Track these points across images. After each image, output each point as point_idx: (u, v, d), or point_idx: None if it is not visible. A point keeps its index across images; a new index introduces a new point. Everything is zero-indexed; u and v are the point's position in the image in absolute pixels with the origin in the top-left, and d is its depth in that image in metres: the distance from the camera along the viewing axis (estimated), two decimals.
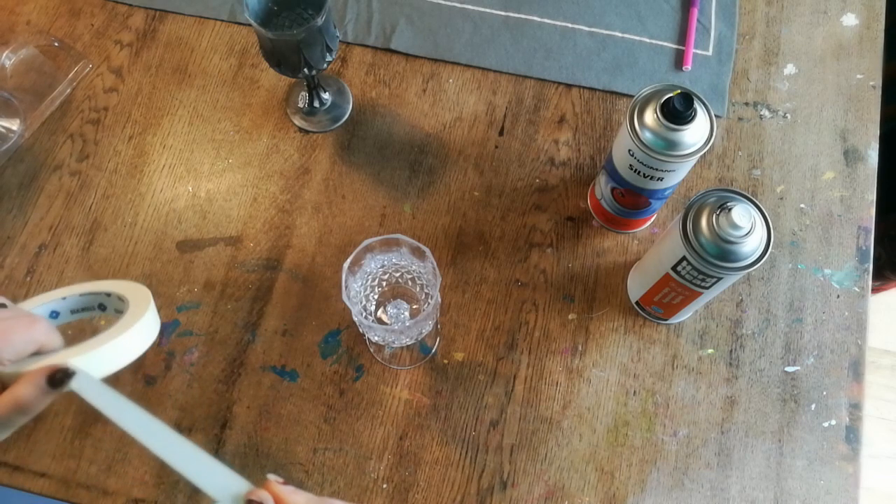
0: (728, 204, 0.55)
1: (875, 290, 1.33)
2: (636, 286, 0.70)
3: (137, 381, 0.68)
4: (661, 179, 0.63)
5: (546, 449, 0.67)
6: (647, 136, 0.59)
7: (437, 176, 0.77)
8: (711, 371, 0.70)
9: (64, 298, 0.50)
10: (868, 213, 0.76)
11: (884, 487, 1.44)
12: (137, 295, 0.49)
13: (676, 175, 0.63)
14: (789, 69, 0.82)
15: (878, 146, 0.78)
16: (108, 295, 0.51)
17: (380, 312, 0.67)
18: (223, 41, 0.83)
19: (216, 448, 0.66)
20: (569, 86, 0.81)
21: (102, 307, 0.51)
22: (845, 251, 0.74)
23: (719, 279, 0.58)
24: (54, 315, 0.51)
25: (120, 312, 0.48)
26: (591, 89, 0.81)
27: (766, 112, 0.80)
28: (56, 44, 0.81)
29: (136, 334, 0.44)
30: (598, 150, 0.78)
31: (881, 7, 0.85)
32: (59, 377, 0.38)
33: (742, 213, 0.54)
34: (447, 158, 0.78)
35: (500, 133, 0.79)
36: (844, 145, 0.78)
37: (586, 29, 0.83)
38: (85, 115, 0.79)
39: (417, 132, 0.79)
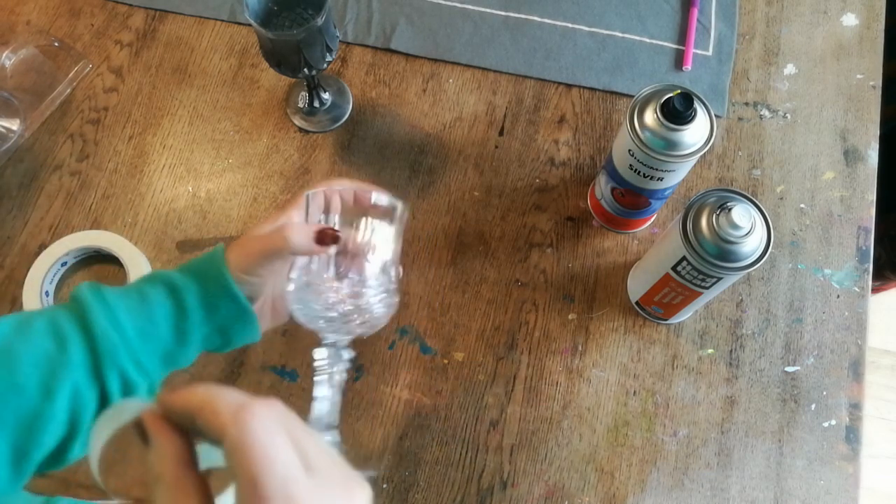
0: (728, 204, 0.55)
1: (875, 290, 1.33)
2: (636, 286, 0.70)
3: None
4: (661, 179, 0.63)
5: (546, 449, 0.67)
6: (647, 136, 0.59)
7: (437, 176, 0.77)
8: (711, 371, 0.70)
9: (67, 253, 0.70)
10: (868, 213, 0.76)
11: (884, 487, 1.44)
12: (126, 251, 0.71)
13: (676, 175, 0.63)
14: (789, 69, 0.82)
15: (878, 146, 0.78)
16: (99, 249, 0.72)
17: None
18: (223, 41, 0.83)
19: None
20: (569, 86, 0.81)
21: (99, 252, 0.72)
22: (845, 251, 0.74)
23: (719, 279, 0.58)
24: (64, 264, 0.71)
25: (116, 260, 0.71)
26: (591, 89, 0.81)
27: (766, 112, 0.80)
28: (56, 44, 0.81)
29: None
30: (598, 150, 0.78)
31: (881, 7, 0.85)
32: (329, 235, 0.46)
33: (742, 213, 0.54)
34: (447, 158, 0.78)
35: (500, 133, 0.79)
36: (844, 145, 0.78)
37: (586, 29, 0.83)
38: (85, 115, 0.79)
39: (417, 132, 0.79)
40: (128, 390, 0.44)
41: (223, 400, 0.28)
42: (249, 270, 0.47)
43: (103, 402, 0.43)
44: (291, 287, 0.48)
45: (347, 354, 0.47)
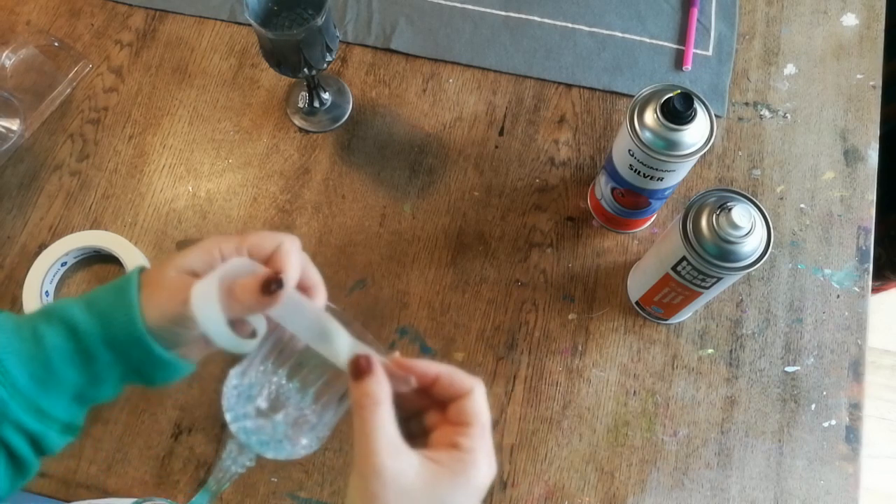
0: (728, 204, 0.55)
1: (875, 290, 1.33)
2: (636, 286, 0.70)
3: None
4: (661, 179, 0.63)
5: (546, 449, 0.67)
6: (647, 136, 0.59)
7: (437, 176, 0.77)
8: (711, 371, 0.70)
9: (67, 253, 0.71)
10: (868, 213, 0.76)
11: (884, 487, 1.44)
12: (123, 248, 0.71)
13: (676, 175, 0.63)
14: (789, 69, 0.82)
15: (878, 146, 0.78)
16: (98, 249, 0.72)
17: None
18: (223, 41, 0.83)
19: (216, 448, 0.66)
20: (569, 86, 0.81)
21: (99, 252, 0.72)
22: (845, 251, 0.74)
23: (719, 279, 0.58)
24: (64, 264, 0.72)
25: (116, 260, 0.71)
26: (591, 89, 0.81)
27: (766, 112, 0.80)
28: (56, 44, 0.81)
29: None
30: (598, 150, 0.78)
31: (881, 7, 0.85)
32: (272, 287, 0.38)
33: (742, 213, 0.54)
34: (447, 158, 0.78)
35: (500, 133, 0.79)
36: (844, 145, 0.78)
37: (586, 29, 0.83)
38: (85, 115, 0.79)
39: (417, 132, 0.79)
40: (35, 440, 0.40)
41: (462, 372, 0.40)
42: (176, 322, 0.40)
43: (11, 455, 0.40)
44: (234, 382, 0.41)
45: (248, 461, 0.42)
